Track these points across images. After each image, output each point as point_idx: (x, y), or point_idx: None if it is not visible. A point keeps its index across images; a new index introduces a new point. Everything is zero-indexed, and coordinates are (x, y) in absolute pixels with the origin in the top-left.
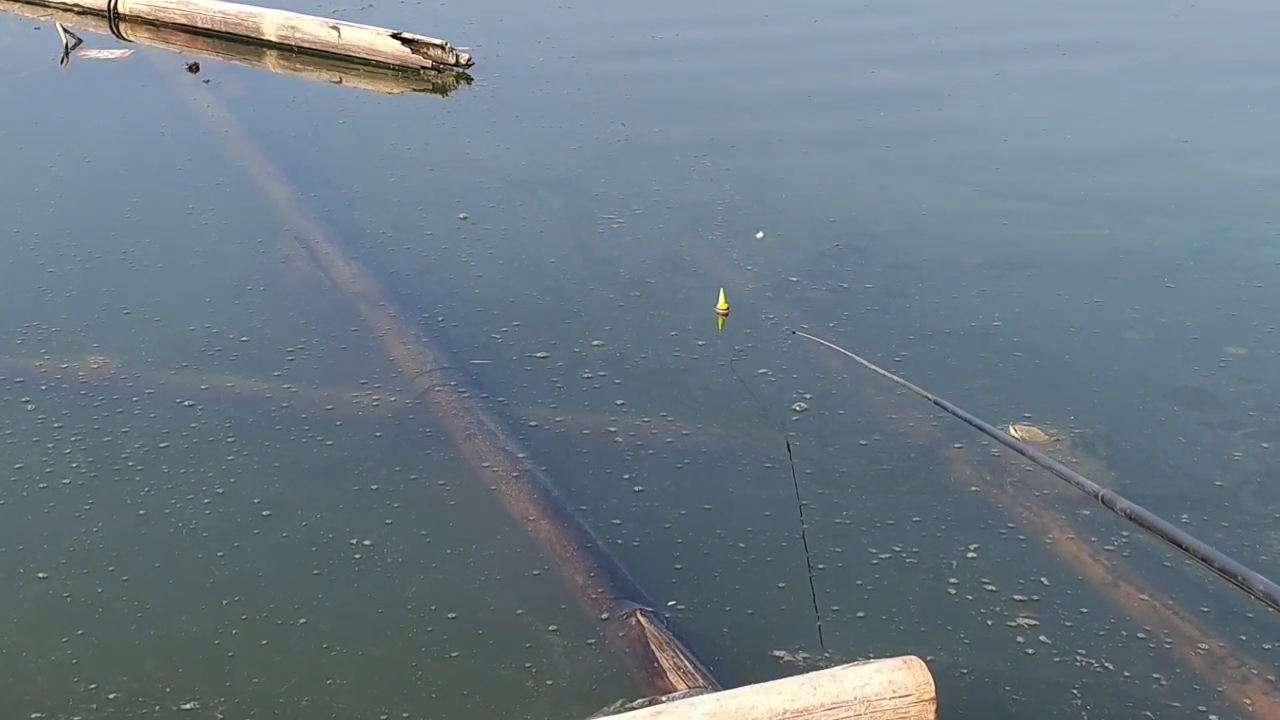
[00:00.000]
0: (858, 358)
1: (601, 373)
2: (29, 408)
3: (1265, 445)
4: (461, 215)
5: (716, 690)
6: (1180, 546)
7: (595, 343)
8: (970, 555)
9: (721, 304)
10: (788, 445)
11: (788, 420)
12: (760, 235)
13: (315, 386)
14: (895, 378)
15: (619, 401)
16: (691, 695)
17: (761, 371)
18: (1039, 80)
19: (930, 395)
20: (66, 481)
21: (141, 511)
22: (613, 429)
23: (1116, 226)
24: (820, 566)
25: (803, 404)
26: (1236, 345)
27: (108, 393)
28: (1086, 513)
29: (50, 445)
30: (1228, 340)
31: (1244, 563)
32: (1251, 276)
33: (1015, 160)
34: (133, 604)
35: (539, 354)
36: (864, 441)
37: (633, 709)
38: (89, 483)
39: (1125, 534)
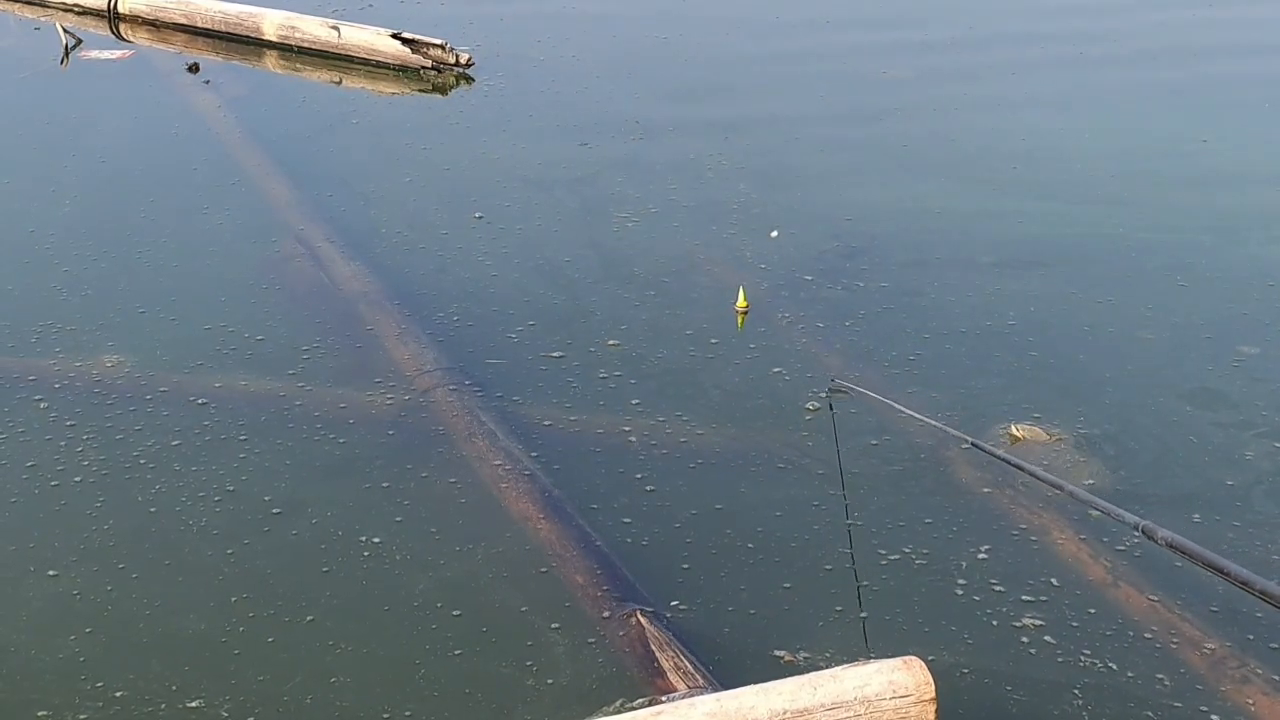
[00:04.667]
0: (898, 405)
1: (617, 372)
2: (42, 406)
3: (1277, 445)
4: (476, 215)
5: (716, 690)
6: (1225, 575)
7: (610, 342)
8: (980, 557)
9: (741, 301)
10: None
11: (799, 418)
12: (774, 234)
13: (327, 385)
14: (934, 423)
15: (634, 401)
16: (691, 695)
17: (776, 370)
18: (1054, 79)
19: (968, 438)
20: (78, 480)
21: (152, 509)
22: (627, 429)
23: (1130, 225)
24: (828, 567)
25: (815, 403)
26: (1250, 344)
27: (121, 391)
28: (1097, 513)
29: (63, 443)
30: (1241, 339)
31: (1255, 563)
32: (1265, 275)
33: (1030, 159)
34: (141, 602)
35: (554, 353)
36: (874, 442)
37: (633, 709)
38: (100, 481)
39: (1136, 535)
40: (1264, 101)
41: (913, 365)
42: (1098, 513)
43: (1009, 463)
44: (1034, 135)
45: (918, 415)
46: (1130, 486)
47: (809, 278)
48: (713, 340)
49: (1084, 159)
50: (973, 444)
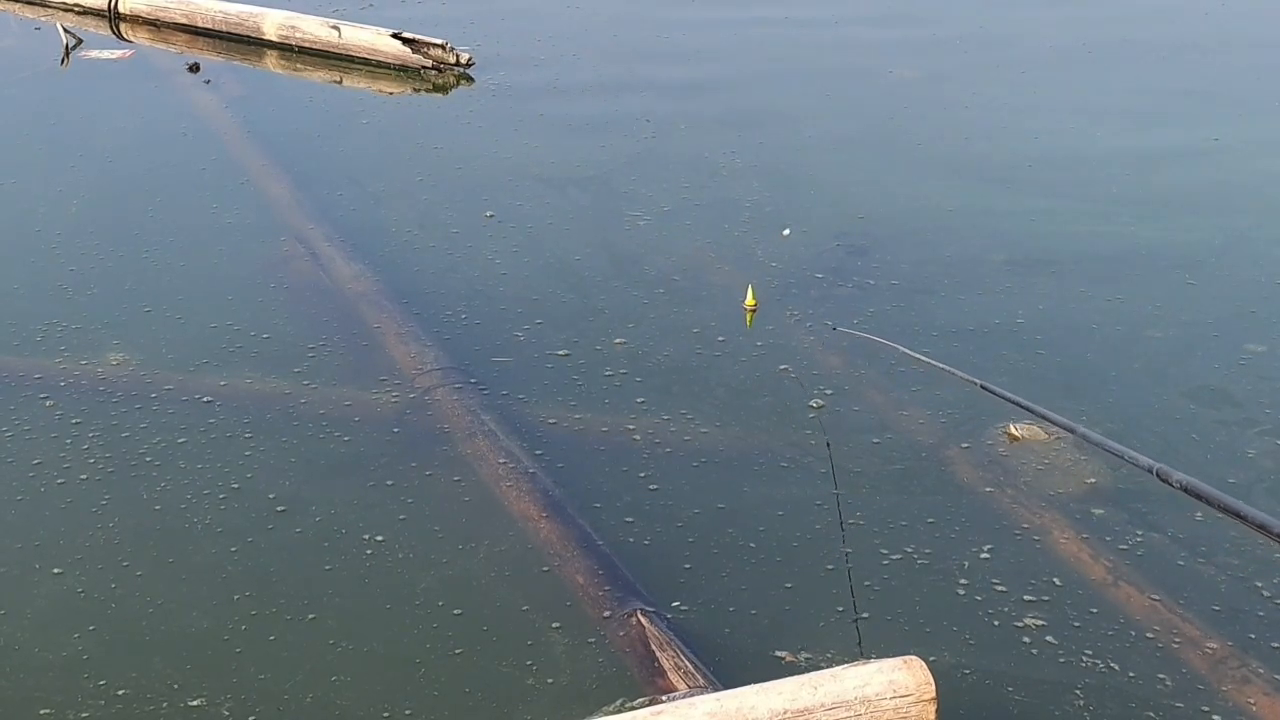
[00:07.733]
0: (904, 349)
1: (623, 371)
2: (47, 404)
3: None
4: (488, 214)
5: (717, 690)
6: (1242, 518)
7: (617, 341)
8: (982, 556)
9: (750, 300)
10: (827, 444)
11: (804, 417)
12: (786, 232)
13: (332, 384)
14: (941, 365)
15: (639, 399)
16: (692, 695)
17: (783, 368)
18: (1065, 79)
19: (976, 380)
20: (84, 478)
21: (157, 507)
22: (631, 427)
23: (1140, 224)
24: (830, 566)
25: (819, 400)
26: (1257, 343)
27: (126, 389)
28: (1100, 512)
29: (68, 442)
30: (1249, 338)
31: (1257, 560)
32: (1273, 274)
33: (1040, 158)
34: (145, 600)
35: (560, 352)
36: (876, 440)
37: (633, 709)
38: (105, 479)
39: (1139, 534)
40: (1275, 99)
41: (919, 363)
42: (1113, 456)
43: (1021, 405)
44: (1045, 134)
45: (923, 357)
46: (1131, 484)
47: (819, 275)
48: (720, 338)
49: (1094, 158)
50: (982, 387)
